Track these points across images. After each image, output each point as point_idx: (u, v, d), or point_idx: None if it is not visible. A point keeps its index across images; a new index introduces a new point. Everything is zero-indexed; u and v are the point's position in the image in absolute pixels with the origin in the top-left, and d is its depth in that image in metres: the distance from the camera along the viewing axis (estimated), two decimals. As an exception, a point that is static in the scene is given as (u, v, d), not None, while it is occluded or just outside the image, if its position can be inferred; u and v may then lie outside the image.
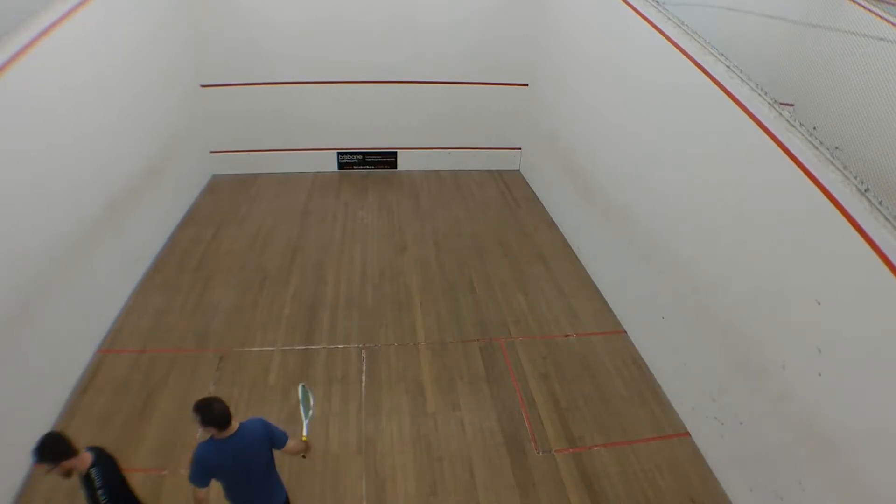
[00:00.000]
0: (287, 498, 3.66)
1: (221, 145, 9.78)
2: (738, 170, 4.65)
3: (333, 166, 10.30)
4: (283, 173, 10.03)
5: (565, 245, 8.27)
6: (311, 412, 3.71)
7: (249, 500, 3.42)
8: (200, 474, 3.18)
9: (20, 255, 4.66)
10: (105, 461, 3.18)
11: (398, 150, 10.42)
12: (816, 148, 3.88)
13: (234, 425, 3.24)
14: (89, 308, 5.81)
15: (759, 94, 4.42)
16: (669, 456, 5.04)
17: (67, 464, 2.94)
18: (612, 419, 5.38)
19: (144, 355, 5.84)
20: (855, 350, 3.55)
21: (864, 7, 5.39)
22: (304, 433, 3.59)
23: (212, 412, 3.13)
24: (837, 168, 3.72)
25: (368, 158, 10.41)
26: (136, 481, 4.49)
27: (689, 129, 5.34)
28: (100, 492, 3.02)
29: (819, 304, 3.79)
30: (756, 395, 4.42)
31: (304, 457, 3.62)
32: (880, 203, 3.46)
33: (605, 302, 7.05)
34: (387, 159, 10.47)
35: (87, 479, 3.03)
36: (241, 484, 3.36)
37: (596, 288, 7.31)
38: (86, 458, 3.03)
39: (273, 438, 3.40)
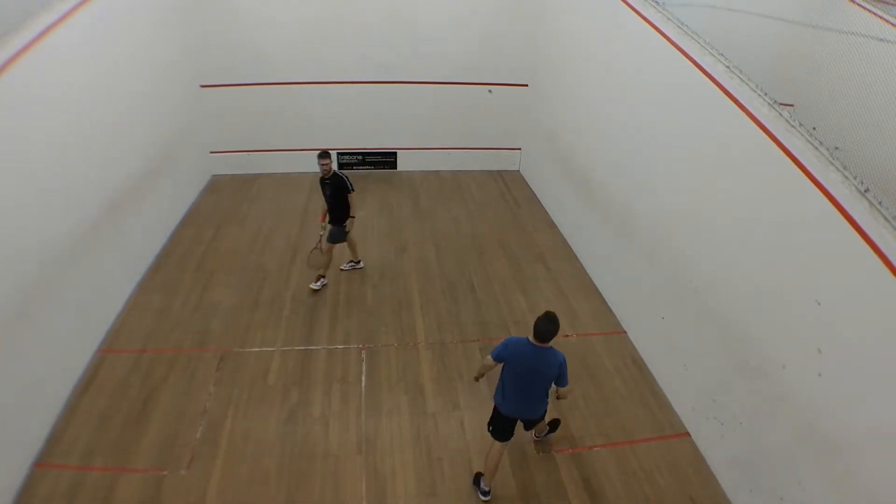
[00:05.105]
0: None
1: (221, 145, 9.78)
2: (737, 170, 4.66)
3: (333, 166, 10.26)
4: (283, 173, 10.03)
5: (565, 245, 8.28)
6: None
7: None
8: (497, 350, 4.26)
9: (20, 256, 4.66)
10: None
11: (398, 151, 10.42)
12: (816, 148, 3.88)
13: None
14: (89, 308, 5.81)
15: (759, 95, 4.42)
16: (669, 456, 5.04)
17: None
18: (612, 419, 5.39)
19: (144, 355, 5.84)
20: (855, 350, 3.55)
21: (863, 7, 5.39)
22: None
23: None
24: (837, 168, 3.72)
25: (368, 159, 10.41)
26: (136, 481, 4.54)
27: (689, 129, 5.34)
28: None
29: (819, 304, 3.79)
30: (756, 395, 4.42)
31: (557, 398, 4.37)
32: (880, 203, 3.46)
33: (604, 302, 7.05)
34: (387, 159, 10.47)
35: None
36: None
37: (596, 288, 7.31)
38: None
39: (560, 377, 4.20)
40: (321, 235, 6.91)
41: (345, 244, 7.10)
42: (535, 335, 4.06)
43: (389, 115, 10.01)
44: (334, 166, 6.88)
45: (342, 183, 6.61)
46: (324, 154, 6.54)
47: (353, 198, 6.72)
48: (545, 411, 4.53)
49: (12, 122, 4.63)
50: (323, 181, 6.65)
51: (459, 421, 5.28)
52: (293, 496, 4.53)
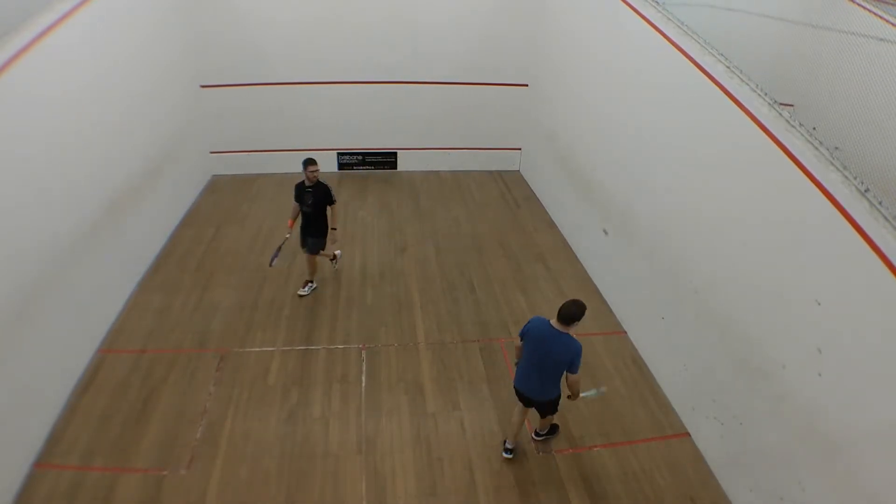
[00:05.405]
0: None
1: (221, 145, 9.78)
2: (737, 170, 4.66)
3: (333, 167, 10.29)
4: (283, 173, 10.00)
5: (565, 245, 8.28)
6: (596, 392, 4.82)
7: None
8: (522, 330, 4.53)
9: (20, 256, 4.66)
10: None
11: (398, 151, 10.42)
12: (816, 148, 3.89)
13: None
14: (89, 308, 5.81)
15: (759, 95, 4.42)
16: (669, 456, 5.04)
17: None
18: (612, 419, 5.39)
19: (144, 355, 5.84)
20: (855, 350, 3.55)
21: (863, 7, 5.39)
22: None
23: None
24: (837, 168, 3.72)
25: (368, 159, 10.40)
26: (136, 481, 4.54)
27: (689, 129, 5.34)
28: None
29: (819, 304, 3.79)
30: (756, 395, 4.42)
31: (568, 396, 4.53)
32: (880, 203, 3.46)
33: (605, 302, 7.05)
34: (387, 160, 10.47)
35: None
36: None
37: (596, 288, 7.31)
38: None
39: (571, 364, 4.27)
40: (286, 238, 6.60)
41: (308, 258, 6.76)
42: (558, 316, 4.23)
43: (389, 115, 10.00)
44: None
45: (327, 193, 6.36)
46: (312, 161, 6.28)
47: (336, 209, 6.54)
48: (557, 397, 4.65)
49: (12, 122, 4.63)
50: (304, 189, 6.33)
51: (459, 421, 5.28)
52: (293, 496, 4.53)
